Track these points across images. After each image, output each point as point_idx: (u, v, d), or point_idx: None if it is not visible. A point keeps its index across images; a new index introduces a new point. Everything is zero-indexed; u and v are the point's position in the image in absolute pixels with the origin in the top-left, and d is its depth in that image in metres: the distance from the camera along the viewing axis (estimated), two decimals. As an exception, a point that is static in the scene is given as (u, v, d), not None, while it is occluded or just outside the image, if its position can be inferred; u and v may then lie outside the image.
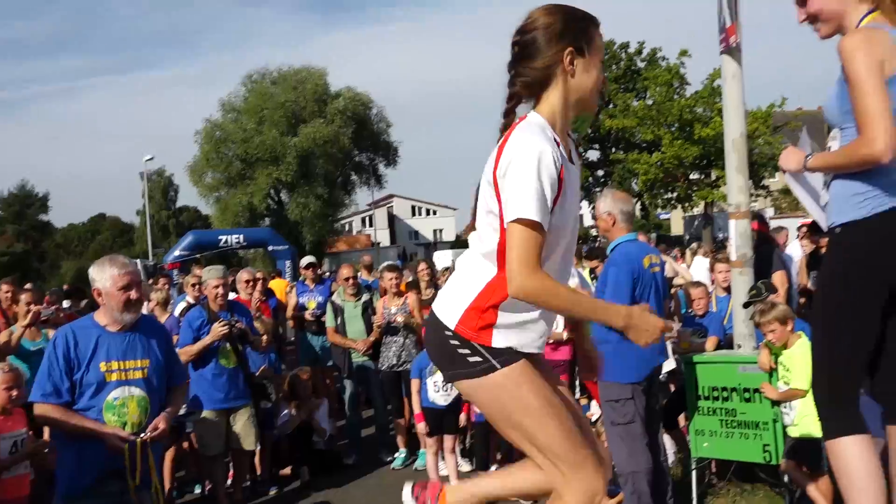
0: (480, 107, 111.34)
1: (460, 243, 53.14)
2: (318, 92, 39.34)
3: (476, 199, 2.18)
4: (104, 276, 3.30)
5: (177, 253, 24.95)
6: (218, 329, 5.25)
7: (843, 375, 2.51)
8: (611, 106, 38.79)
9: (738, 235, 4.59)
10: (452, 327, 2.14)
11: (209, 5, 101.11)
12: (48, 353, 3.36)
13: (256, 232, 28.84)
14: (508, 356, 2.11)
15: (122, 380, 3.30)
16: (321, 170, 39.59)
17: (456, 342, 2.13)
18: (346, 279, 6.71)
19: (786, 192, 43.03)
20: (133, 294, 3.30)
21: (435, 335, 2.19)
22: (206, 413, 5.33)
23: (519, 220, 1.98)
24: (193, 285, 7.70)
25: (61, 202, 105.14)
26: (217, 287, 5.47)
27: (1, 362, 4.57)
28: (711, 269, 6.47)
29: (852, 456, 2.43)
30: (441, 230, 63.43)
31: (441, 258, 33.78)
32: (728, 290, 5.40)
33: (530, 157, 1.99)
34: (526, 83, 2.16)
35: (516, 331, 2.14)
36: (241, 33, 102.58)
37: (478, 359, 2.11)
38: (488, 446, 5.71)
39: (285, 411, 6.23)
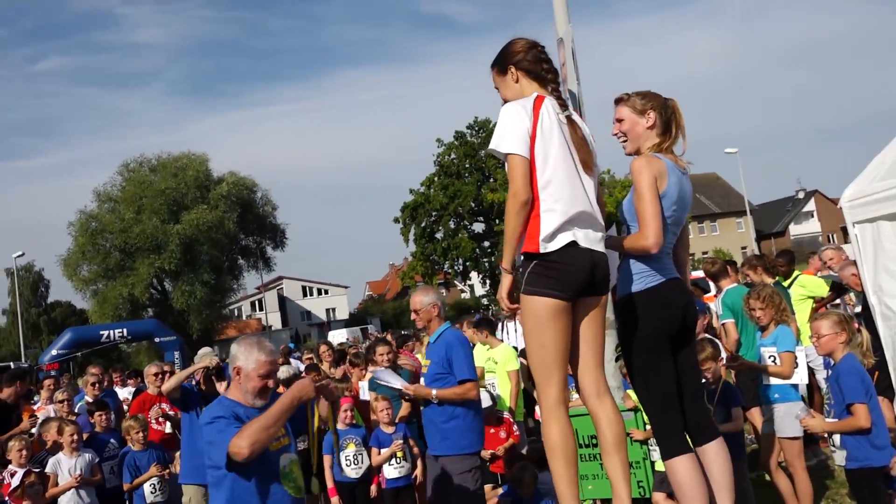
0: (366, 187, 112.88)
1: (355, 320, 53.01)
2: (199, 178, 39.08)
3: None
4: (249, 357, 3.25)
5: (54, 352, 23.70)
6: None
7: (662, 410, 3.26)
8: (491, 180, 40.80)
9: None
10: None
11: (73, 93, 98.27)
12: (214, 420, 3.17)
13: (141, 324, 27.84)
14: None
15: (278, 448, 3.27)
16: (206, 256, 38.96)
17: None
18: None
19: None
20: (270, 383, 3.29)
21: None
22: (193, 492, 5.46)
23: None
24: (93, 384, 7.72)
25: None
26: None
27: None
28: None
29: (682, 472, 3.15)
30: (334, 309, 63.07)
31: (337, 336, 33.68)
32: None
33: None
34: None
35: None
36: (112, 120, 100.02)
37: None
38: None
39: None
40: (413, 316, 4.78)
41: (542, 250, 3.00)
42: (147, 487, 5.88)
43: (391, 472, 5.71)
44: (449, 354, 4.55)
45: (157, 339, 25.88)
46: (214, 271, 39.54)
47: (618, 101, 3.45)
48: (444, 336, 4.65)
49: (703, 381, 4.37)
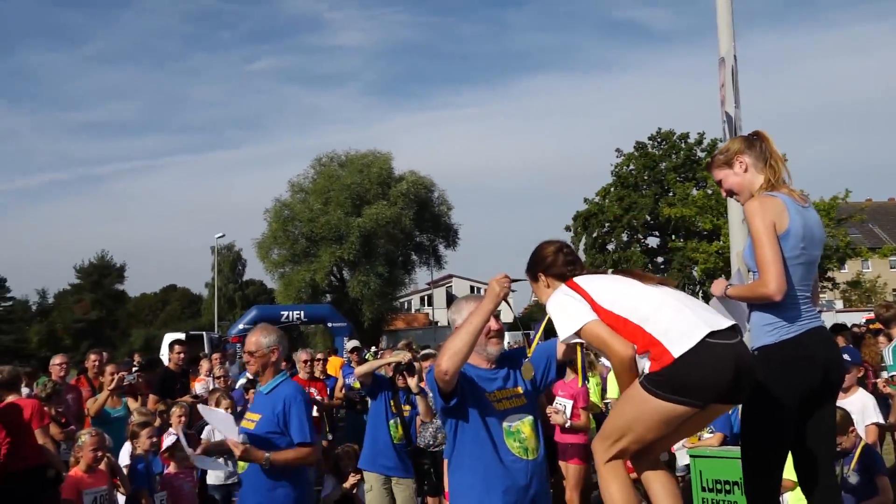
0: (540, 194, 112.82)
1: (518, 325, 52.82)
2: (382, 175, 40.99)
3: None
4: (462, 313, 3.20)
5: (241, 326, 25.96)
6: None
7: (767, 473, 3.06)
8: (670, 194, 39.21)
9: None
10: None
11: (280, 91, 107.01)
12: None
13: (317, 308, 29.80)
14: None
15: (510, 407, 3.18)
16: (382, 249, 40.82)
17: None
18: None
19: (854, 284, 42.06)
20: (494, 325, 3.24)
21: None
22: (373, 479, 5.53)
23: None
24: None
25: (136, 272, 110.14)
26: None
27: (88, 427, 5.29)
28: None
29: None
30: (500, 311, 63.54)
31: (498, 340, 33.97)
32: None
33: None
34: None
35: None
36: (309, 117, 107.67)
37: None
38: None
39: (328, 483, 6.75)
40: (246, 358, 4.13)
41: (675, 355, 2.56)
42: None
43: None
44: (286, 410, 3.91)
45: (329, 324, 27.66)
46: (389, 264, 41.34)
47: (708, 168, 3.39)
48: (280, 388, 4.00)
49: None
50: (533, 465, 3.08)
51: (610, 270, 3.05)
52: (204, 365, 8.53)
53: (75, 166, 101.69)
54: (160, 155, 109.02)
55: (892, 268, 50.97)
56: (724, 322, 2.64)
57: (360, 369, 5.61)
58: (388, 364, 5.76)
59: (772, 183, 3.15)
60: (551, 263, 3.10)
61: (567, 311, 2.79)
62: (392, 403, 5.51)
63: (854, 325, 14.93)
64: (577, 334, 2.75)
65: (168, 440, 5.92)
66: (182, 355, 7.49)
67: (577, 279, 2.89)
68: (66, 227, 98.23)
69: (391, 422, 5.45)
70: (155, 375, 7.70)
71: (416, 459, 5.77)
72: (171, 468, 5.73)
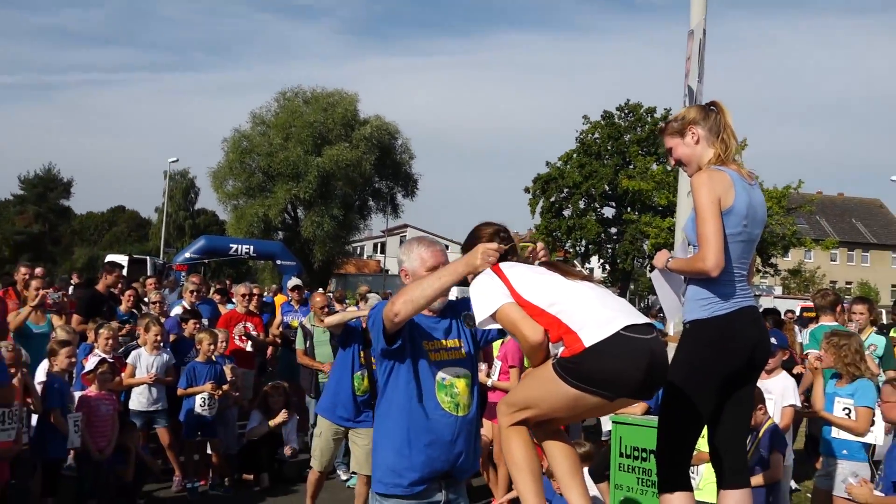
0: (503, 153, 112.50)
1: (466, 281, 53.34)
2: (346, 116, 40.28)
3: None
4: (411, 256, 3.10)
5: (187, 255, 25.56)
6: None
7: (678, 447, 3.08)
8: (631, 167, 39.52)
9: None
10: None
11: (252, 17, 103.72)
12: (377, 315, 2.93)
13: (267, 245, 29.42)
14: None
15: (447, 359, 3.04)
16: (340, 192, 40.36)
17: None
18: (321, 308, 7.17)
19: (794, 272, 43.36)
20: None
21: None
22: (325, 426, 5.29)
23: None
24: (191, 291, 8.27)
25: (84, 189, 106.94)
26: None
27: (4, 341, 5.09)
28: None
29: None
30: (451, 265, 63.92)
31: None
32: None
33: None
34: None
35: None
36: (279, 49, 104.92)
37: None
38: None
39: (255, 418, 6.71)
40: None
41: (587, 344, 2.46)
42: (198, 399, 6.26)
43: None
44: None
45: (279, 262, 27.36)
46: (345, 208, 40.96)
47: (660, 133, 3.28)
48: None
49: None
50: (462, 421, 2.96)
51: (537, 263, 2.91)
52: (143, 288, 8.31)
53: (28, 71, 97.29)
54: (120, 70, 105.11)
55: (832, 261, 52.67)
56: (642, 318, 2.56)
57: (331, 319, 5.34)
58: (366, 316, 5.49)
59: (721, 158, 3.10)
60: None
61: (485, 293, 2.68)
62: (362, 355, 5.24)
63: (788, 312, 15.41)
64: (493, 317, 2.65)
65: (91, 361, 5.77)
66: (112, 279, 7.27)
67: (502, 265, 2.77)
68: (13, 134, 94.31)
69: (357, 373, 5.25)
70: (84, 296, 7.47)
71: None
72: (92, 390, 5.59)
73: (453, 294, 3.40)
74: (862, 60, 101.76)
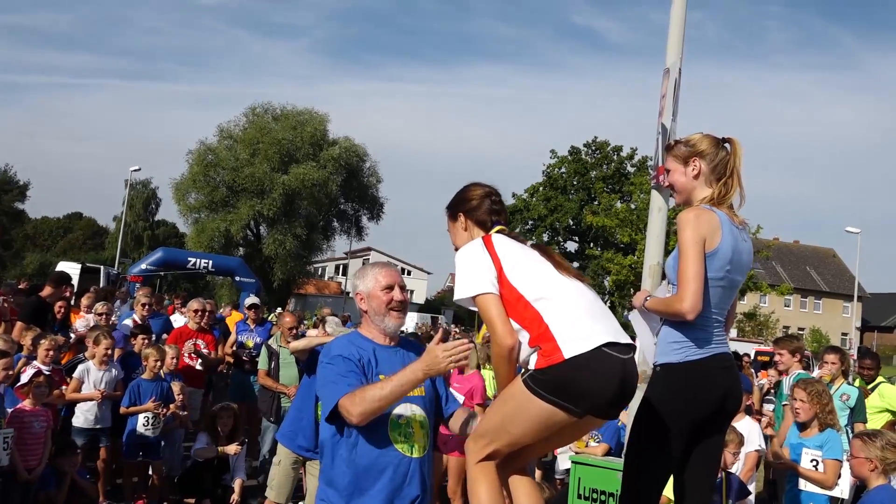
0: (469, 180, 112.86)
1: (429, 307, 53.39)
2: (315, 136, 40.08)
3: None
4: (366, 279, 2.95)
5: (143, 266, 24.90)
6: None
7: (646, 492, 2.95)
8: (595, 203, 40.01)
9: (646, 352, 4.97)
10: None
11: (227, 32, 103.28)
12: (333, 360, 2.79)
13: (226, 260, 28.83)
14: None
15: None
16: (304, 211, 40.00)
17: None
18: (290, 328, 6.93)
19: (750, 315, 44.10)
20: (397, 294, 2.93)
21: None
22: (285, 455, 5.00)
23: None
24: (143, 305, 7.97)
25: (40, 193, 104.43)
26: None
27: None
28: None
29: None
30: (412, 291, 63.70)
31: (407, 319, 33.96)
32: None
33: None
34: None
35: None
36: (252, 65, 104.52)
37: None
38: None
39: (202, 439, 6.41)
40: None
41: (566, 356, 2.44)
42: (141, 419, 5.97)
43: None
44: None
45: (237, 278, 26.83)
46: (308, 227, 40.56)
47: (667, 150, 3.13)
48: None
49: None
50: (416, 463, 2.78)
51: (529, 243, 2.82)
52: (84, 301, 7.98)
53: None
54: (87, 75, 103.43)
55: (786, 306, 53.78)
56: (624, 337, 2.53)
57: (297, 344, 5.01)
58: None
59: (716, 200, 2.98)
60: (476, 207, 2.91)
61: (471, 272, 2.63)
62: None
63: (745, 355, 15.55)
64: (472, 300, 2.61)
65: (28, 373, 5.45)
66: (57, 293, 6.94)
67: (495, 239, 2.71)
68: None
69: None
70: (27, 303, 7.13)
71: None
72: (26, 404, 5.26)
73: (411, 320, 3.26)
74: (820, 115, 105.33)
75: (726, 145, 3.04)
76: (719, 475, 4.37)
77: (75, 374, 6.03)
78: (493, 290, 2.59)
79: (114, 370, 6.20)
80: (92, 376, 6.03)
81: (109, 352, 6.13)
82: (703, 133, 3.08)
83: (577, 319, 2.50)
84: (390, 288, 2.90)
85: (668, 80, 5.41)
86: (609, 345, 2.45)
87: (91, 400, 5.92)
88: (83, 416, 5.99)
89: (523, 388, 2.47)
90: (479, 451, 2.58)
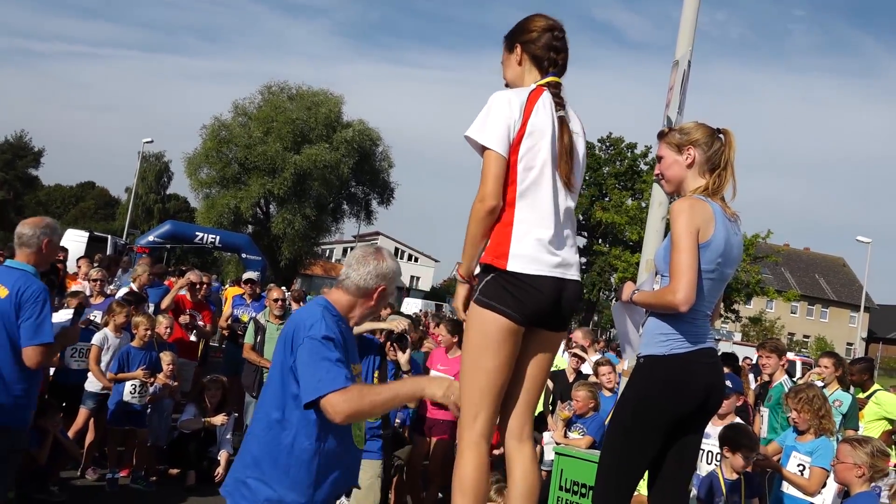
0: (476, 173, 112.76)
1: (433, 295, 53.37)
2: (330, 117, 39.99)
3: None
4: (391, 281, 2.77)
5: (150, 238, 24.98)
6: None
7: (617, 491, 2.89)
8: (606, 199, 39.75)
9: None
10: None
11: (247, 9, 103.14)
12: (324, 341, 2.48)
13: (233, 237, 28.86)
14: None
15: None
16: (314, 192, 39.97)
17: None
18: (275, 300, 6.90)
19: (755, 320, 43.84)
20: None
21: None
22: None
23: None
24: (140, 275, 7.96)
25: (54, 161, 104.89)
26: None
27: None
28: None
29: None
30: (418, 278, 63.68)
31: (411, 305, 33.84)
32: (612, 390, 5.73)
33: None
34: None
35: None
36: (272, 43, 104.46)
37: None
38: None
39: (189, 410, 6.41)
40: None
41: (508, 268, 2.61)
42: (128, 386, 5.95)
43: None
44: None
45: (244, 255, 26.85)
46: (318, 208, 40.55)
47: (660, 137, 3.04)
48: None
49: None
50: (360, 455, 2.75)
51: (559, 114, 2.74)
52: (82, 267, 7.97)
53: (11, 36, 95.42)
54: (106, 45, 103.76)
55: (792, 313, 53.48)
56: (573, 273, 2.72)
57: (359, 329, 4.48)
58: (380, 331, 4.92)
59: (709, 191, 2.90)
60: (535, 39, 2.85)
61: (495, 121, 2.65)
62: (376, 376, 4.63)
63: (746, 358, 15.43)
64: (479, 148, 2.65)
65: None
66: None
67: (538, 104, 2.70)
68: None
69: None
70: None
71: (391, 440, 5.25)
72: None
73: (416, 307, 3.25)
74: (839, 121, 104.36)
75: (721, 136, 2.97)
76: (737, 476, 4.32)
77: (94, 341, 6.04)
78: (503, 152, 2.63)
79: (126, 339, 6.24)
80: (112, 343, 6.09)
81: (149, 332, 6.13)
82: (697, 122, 3.00)
83: (540, 241, 2.65)
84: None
85: (676, 72, 5.32)
86: (554, 272, 2.67)
87: (135, 379, 5.93)
88: (95, 381, 6.04)
89: (474, 311, 2.66)
90: (471, 427, 2.64)
